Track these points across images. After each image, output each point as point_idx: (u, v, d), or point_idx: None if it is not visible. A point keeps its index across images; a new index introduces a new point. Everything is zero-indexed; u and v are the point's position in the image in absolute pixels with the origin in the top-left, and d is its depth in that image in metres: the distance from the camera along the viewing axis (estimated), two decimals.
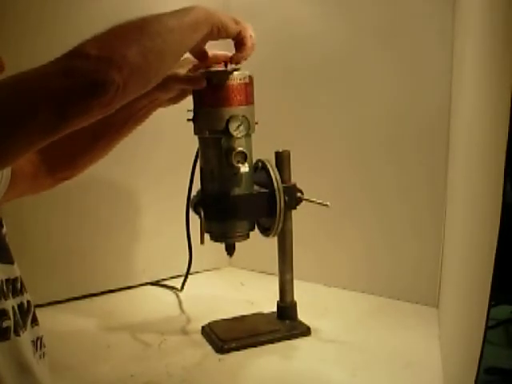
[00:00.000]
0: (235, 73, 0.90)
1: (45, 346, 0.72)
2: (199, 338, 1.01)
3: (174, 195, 1.08)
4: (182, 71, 0.89)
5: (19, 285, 0.69)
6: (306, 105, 1.22)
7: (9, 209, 0.78)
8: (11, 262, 0.69)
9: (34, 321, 0.71)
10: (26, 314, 0.69)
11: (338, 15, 1.16)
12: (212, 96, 0.90)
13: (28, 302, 0.70)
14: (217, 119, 0.90)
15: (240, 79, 0.90)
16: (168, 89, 0.88)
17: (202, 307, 1.15)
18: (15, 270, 0.69)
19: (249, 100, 0.92)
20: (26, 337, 0.66)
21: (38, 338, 0.70)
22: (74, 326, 1.07)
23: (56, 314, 1.12)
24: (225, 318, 1.05)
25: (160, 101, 0.91)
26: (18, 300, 0.68)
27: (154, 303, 1.20)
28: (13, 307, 0.66)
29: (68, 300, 1.19)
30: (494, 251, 0.51)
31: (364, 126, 1.15)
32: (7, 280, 0.66)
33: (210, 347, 0.97)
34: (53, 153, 0.86)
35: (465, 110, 0.83)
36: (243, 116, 0.91)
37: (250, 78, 0.92)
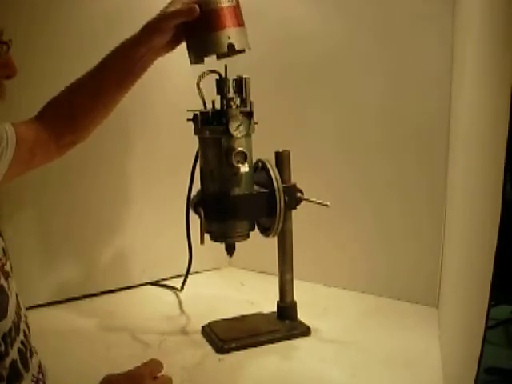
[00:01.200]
0: None
1: (43, 375, 0.70)
2: (199, 338, 1.01)
3: (174, 195, 1.09)
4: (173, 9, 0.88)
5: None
6: (305, 105, 1.22)
7: (9, 208, 0.78)
8: None
9: (31, 355, 0.67)
10: (25, 357, 0.65)
11: (337, 15, 1.16)
12: (204, 22, 0.87)
13: (24, 336, 0.66)
14: (211, 44, 0.88)
15: (228, 1, 0.88)
16: (162, 30, 0.87)
17: (202, 307, 1.15)
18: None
19: (239, 22, 0.89)
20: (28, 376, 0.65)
21: (38, 372, 0.68)
22: (74, 326, 1.07)
23: (56, 314, 1.12)
24: (225, 318, 1.05)
25: (157, 48, 0.89)
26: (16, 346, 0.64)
27: (154, 303, 1.20)
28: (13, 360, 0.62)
29: (68, 300, 1.19)
30: (494, 251, 0.51)
31: (364, 126, 1.15)
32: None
33: (209, 347, 0.97)
34: (51, 116, 0.86)
35: (465, 110, 0.83)
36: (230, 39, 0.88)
37: (237, 1, 0.90)
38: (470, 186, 0.72)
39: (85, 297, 1.21)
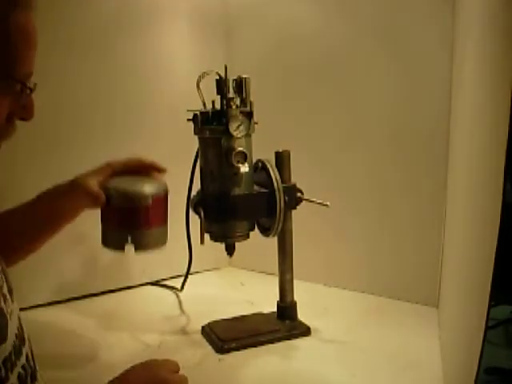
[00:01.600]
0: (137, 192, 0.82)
1: None
2: (199, 337, 1.01)
3: (174, 195, 1.08)
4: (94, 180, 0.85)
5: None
6: (306, 105, 1.22)
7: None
8: None
9: (33, 380, 0.66)
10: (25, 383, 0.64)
11: (338, 15, 1.16)
12: (113, 218, 0.83)
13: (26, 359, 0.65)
14: (111, 242, 0.85)
15: (143, 200, 0.81)
16: (78, 208, 0.86)
17: (202, 307, 1.15)
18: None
19: (153, 222, 0.83)
20: None
21: None
22: (74, 326, 1.07)
23: (56, 314, 1.12)
24: (225, 318, 1.05)
25: (83, 203, 0.88)
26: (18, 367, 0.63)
27: (154, 303, 1.20)
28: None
29: (68, 300, 1.19)
30: (494, 251, 0.51)
31: (365, 127, 1.15)
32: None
33: (209, 347, 0.97)
34: None
35: (465, 110, 0.83)
36: None
37: (157, 196, 0.83)
38: (470, 186, 0.72)
39: (85, 297, 1.21)
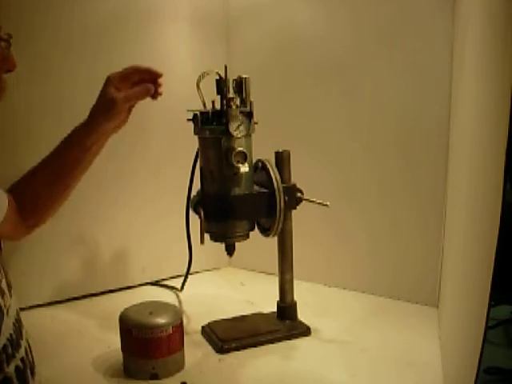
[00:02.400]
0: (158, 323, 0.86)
1: None
2: (199, 337, 1.01)
3: (174, 195, 1.09)
4: (116, 93, 0.87)
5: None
6: (306, 105, 1.22)
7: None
8: None
9: (33, 373, 0.66)
10: (24, 376, 0.64)
11: (339, 16, 1.16)
12: (135, 349, 0.86)
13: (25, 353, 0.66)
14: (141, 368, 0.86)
15: (162, 331, 0.85)
16: (113, 116, 0.88)
17: (202, 307, 1.15)
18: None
19: (174, 349, 0.87)
20: None
21: None
22: (74, 326, 1.07)
23: (56, 314, 1.12)
24: (225, 318, 1.05)
25: (108, 130, 0.90)
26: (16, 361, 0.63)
27: None
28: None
29: (68, 300, 1.19)
30: (494, 251, 0.51)
31: (365, 127, 1.15)
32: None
33: (210, 347, 0.97)
34: (19, 203, 0.87)
35: (465, 110, 0.83)
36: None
37: (175, 324, 0.86)
38: (470, 186, 0.72)
39: (85, 297, 1.21)
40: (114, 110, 0.87)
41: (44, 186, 0.89)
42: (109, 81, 0.88)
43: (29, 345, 0.68)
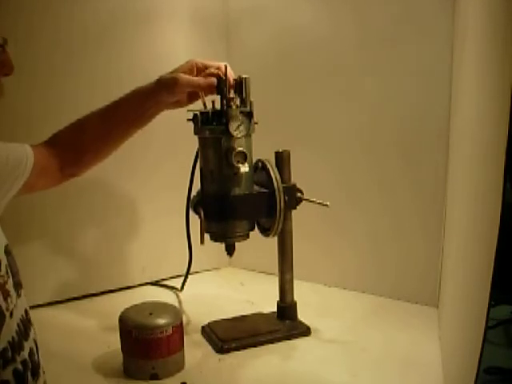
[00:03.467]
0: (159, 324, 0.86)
1: None
2: (199, 337, 1.01)
3: (174, 195, 1.09)
4: (188, 75, 0.90)
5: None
6: (306, 105, 1.22)
7: (9, 208, 0.78)
8: None
9: (35, 375, 0.66)
10: (22, 378, 0.63)
11: (340, 16, 1.16)
12: (135, 349, 0.87)
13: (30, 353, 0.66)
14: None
15: (162, 331, 0.85)
16: (174, 93, 0.90)
17: (202, 307, 1.15)
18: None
19: (174, 349, 0.87)
20: None
21: None
22: (74, 326, 1.07)
23: (56, 314, 1.12)
24: (225, 318, 1.05)
25: (166, 103, 0.93)
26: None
27: None
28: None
29: (68, 300, 1.19)
30: (494, 251, 0.51)
31: (366, 127, 1.15)
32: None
33: (210, 347, 0.97)
34: (64, 147, 0.90)
35: (465, 110, 0.83)
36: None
37: (175, 325, 0.87)
38: (470, 185, 0.72)
39: (85, 297, 1.21)
40: (175, 89, 0.89)
41: (96, 138, 0.91)
42: (189, 61, 0.92)
43: (36, 346, 0.67)
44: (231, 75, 0.92)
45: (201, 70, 0.93)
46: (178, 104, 0.95)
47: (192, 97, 0.95)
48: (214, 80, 0.91)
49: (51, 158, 0.88)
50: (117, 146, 0.95)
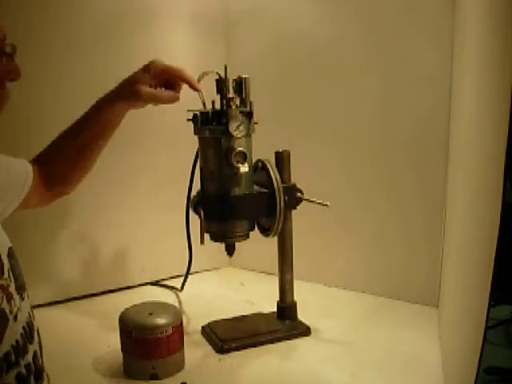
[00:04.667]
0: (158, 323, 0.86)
1: None
2: (199, 338, 1.01)
3: (174, 195, 1.08)
4: (145, 88, 0.88)
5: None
6: (306, 105, 1.22)
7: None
8: None
9: (38, 379, 0.66)
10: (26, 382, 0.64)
11: (340, 16, 1.16)
12: (135, 349, 0.87)
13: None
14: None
15: (162, 331, 0.85)
16: (134, 106, 0.89)
17: (202, 307, 1.15)
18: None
19: (173, 349, 0.87)
20: None
21: None
22: (74, 326, 1.07)
23: (56, 314, 1.12)
24: (225, 318, 1.05)
25: (126, 111, 0.91)
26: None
27: None
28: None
29: (68, 300, 1.19)
30: (494, 251, 0.51)
31: (366, 127, 1.15)
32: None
33: (210, 347, 0.97)
34: (47, 168, 0.89)
35: (465, 110, 0.83)
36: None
37: (175, 325, 0.87)
38: (470, 186, 0.72)
39: (85, 297, 1.21)
40: (135, 102, 0.89)
41: (69, 157, 0.91)
42: (147, 68, 0.89)
43: (40, 349, 0.67)
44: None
45: (161, 75, 0.89)
46: (143, 105, 0.93)
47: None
48: (177, 95, 0.90)
49: (39, 178, 0.88)
50: (94, 158, 0.94)
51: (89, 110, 0.90)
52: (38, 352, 0.66)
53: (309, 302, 1.10)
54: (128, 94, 0.88)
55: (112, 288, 1.25)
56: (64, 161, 0.91)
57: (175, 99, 0.90)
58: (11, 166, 0.78)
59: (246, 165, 0.92)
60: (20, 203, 0.79)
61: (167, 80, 0.90)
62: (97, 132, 0.90)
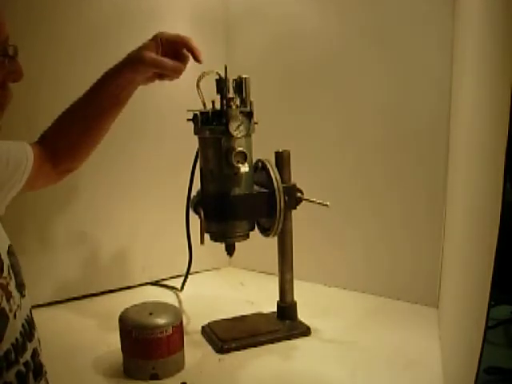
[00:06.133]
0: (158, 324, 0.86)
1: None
2: (199, 337, 1.01)
3: (174, 195, 1.09)
4: (150, 53, 0.88)
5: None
6: (306, 105, 1.22)
7: (8, 208, 0.78)
8: None
9: (38, 376, 0.66)
10: (25, 380, 0.63)
11: (340, 17, 1.16)
12: (135, 349, 0.87)
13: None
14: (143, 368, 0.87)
15: (162, 331, 0.85)
16: (138, 71, 0.89)
17: (202, 307, 1.15)
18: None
19: (174, 349, 0.87)
20: None
21: None
22: (74, 326, 1.07)
23: (56, 314, 1.12)
24: (225, 318, 1.05)
25: (135, 80, 0.91)
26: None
27: None
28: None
29: (68, 300, 1.19)
30: (494, 251, 0.51)
31: (364, 127, 1.15)
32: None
33: (210, 347, 0.97)
34: (55, 145, 0.90)
35: (465, 110, 0.83)
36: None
37: (175, 325, 0.87)
38: (470, 186, 0.72)
39: (85, 297, 1.21)
40: (139, 67, 0.88)
41: (76, 132, 0.91)
42: (154, 37, 0.90)
43: (39, 345, 0.67)
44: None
45: (169, 46, 0.90)
46: (149, 80, 0.93)
47: (161, 75, 0.92)
48: (181, 66, 0.89)
49: (45, 157, 0.88)
50: (102, 132, 0.93)
51: (96, 81, 0.91)
52: (38, 349, 0.66)
53: (309, 302, 1.10)
54: (132, 59, 0.89)
55: (112, 288, 1.24)
56: (72, 135, 0.91)
57: (179, 70, 0.89)
58: (11, 153, 0.79)
59: (246, 165, 0.92)
60: (23, 187, 0.79)
61: (175, 51, 0.89)
62: (105, 104, 0.90)
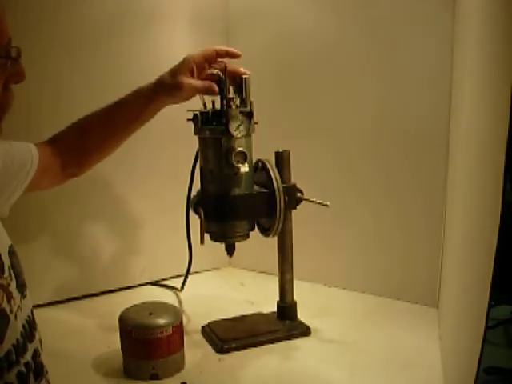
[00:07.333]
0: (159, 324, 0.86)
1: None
2: (199, 338, 1.01)
3: (174, 195, 1.08)
4: (188, 79, 0.89)
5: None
6: (306, 105, 1.22)
7: (10, 208, 0.78)
8: None
9: (38, 376, 0.66)
10: (25, 380, 0.63)
11: (341, 17, 1.16)
12: (135, 350, 0.87)
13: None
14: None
15: (162, 331, 0.85)
16: (176, 98, 0.91)
17: (202, 307, 1.15)
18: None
19: (174, 349, 0.87)
20: None
21: None
22: (74, 326, 1.07)
23: (56, 314, 1.12)
24: (225, 318, 1.05)
25: (167, 104, 0.93)
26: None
27: None
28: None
29: (68, 300, 1.19)
30: (494, 251, 0.51)
31: (366, 127, 1.15)
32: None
33: (210, 347, 0.97)
34: (67, 149, 0.90)
35: (464, 110, 0.83)
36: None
37: (175, 325, 0.87)
38: (470, 185, 0.72)
39: (85, 297, 1.21)
40: (178, 94, 0.90)
41: (91, 143, 0.92)
42: (187, 60, 0.90)
43: (41, 345, 0.68)
44: (236, 69, 0.92)
45: (200, 66, 0.92)
46: (182, 101, 0.94)
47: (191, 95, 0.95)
48: (214, 86, 0.90)
49: (54, 159, 0.89)
50: (118, 145, 0.95)
51: (125, 96, 0.91)
52: (39, 349, 0.66)
53: (309, 302, 1.10)
54: (167, 86, 0.89)
55: (112, 288, 1.24)
56: (86, 144, 0.91)
57: (214, 90, 0.90)
58: (15, 154, 0.79)
59: (246, 165, 0.92)
60: (28, 186, 0.80)
61: (203, 69, 0.91)
62: (128, 124, 0.92)
